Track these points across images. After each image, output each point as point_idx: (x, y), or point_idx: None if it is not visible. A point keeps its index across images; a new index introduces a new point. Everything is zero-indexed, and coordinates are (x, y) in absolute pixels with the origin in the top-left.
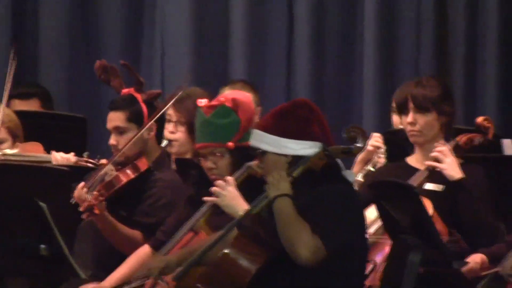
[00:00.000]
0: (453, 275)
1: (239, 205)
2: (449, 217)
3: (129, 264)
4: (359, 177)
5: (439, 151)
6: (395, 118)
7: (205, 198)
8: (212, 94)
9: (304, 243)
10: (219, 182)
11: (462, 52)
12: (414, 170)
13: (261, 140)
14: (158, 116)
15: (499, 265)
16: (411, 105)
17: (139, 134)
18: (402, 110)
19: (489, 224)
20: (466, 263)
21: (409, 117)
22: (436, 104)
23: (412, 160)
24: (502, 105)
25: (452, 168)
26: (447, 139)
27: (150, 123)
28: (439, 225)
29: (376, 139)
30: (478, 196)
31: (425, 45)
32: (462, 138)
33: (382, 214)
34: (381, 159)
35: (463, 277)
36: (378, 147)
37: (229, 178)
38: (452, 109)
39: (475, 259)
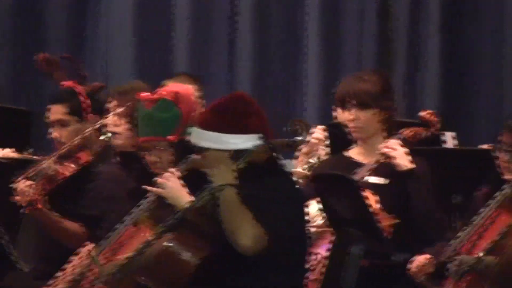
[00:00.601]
0: (396, 268)
1: (184, 196)
2: (394, 211)
3: (74, 264)
4: (303, 170)
5: (392, 143)
6: (338, 112)
7: (150, 189)
8: (155, 87)
9: (246, 231)
10: (165, 173)
11: (405, 44)
12: (355, 163)
13: (201, 137)
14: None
15: (443, 255)
16: (352, 101)
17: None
18: (343, 106)
19: (438, 217)
20: (408, 256)
21: (350, 114)
22: (377, 100)
23: (353, 153)
24: (444, 98)
25: (403, 157)
26: (390, 133)
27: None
28: (383, 219)
29: (319, 131)
30: (425, 186)
31: (368, 38)
32: (408, 132)
33: (325, 207)
34: (324, 152)
35: (405, 270)
36: (321, 139)
37: (174, 169)
38: (392, 103)
39: (420, 259)
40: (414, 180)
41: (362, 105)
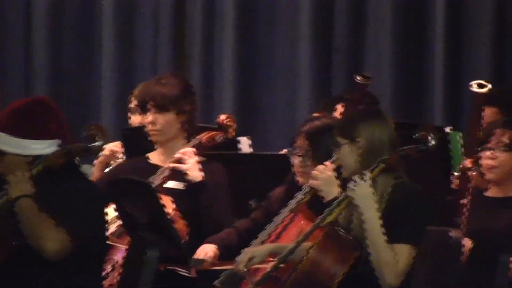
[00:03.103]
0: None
1: None
2: (189, 215)
3: None
4: None
5: (183, 152)
6: (133, 118)
7: None
8: None
9: (49, 237)
10: None
11: (200, 47)
12: (155, 167)
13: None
14: None
15: (235, 261)
16: (150, 104)
17: None
18: (143, 109)
19: (225, 226)
20: (202, 261)
21: (149, 117)
22: (175, 104)
23: (154, 157)
24: (238, 102)
25: (194, 169)
26: (189, 137)
27: None
28: (180, 224)
29: (115, 145)
30: (217, 196)
31: (163, 43)
32: (204, 136)
33: (121, 211)
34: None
35: (201, 273)
36: (115, 152)
37: None
38: (192, 107)
39: (207, 252)
40: (203, 193)
41: (160, 108)
